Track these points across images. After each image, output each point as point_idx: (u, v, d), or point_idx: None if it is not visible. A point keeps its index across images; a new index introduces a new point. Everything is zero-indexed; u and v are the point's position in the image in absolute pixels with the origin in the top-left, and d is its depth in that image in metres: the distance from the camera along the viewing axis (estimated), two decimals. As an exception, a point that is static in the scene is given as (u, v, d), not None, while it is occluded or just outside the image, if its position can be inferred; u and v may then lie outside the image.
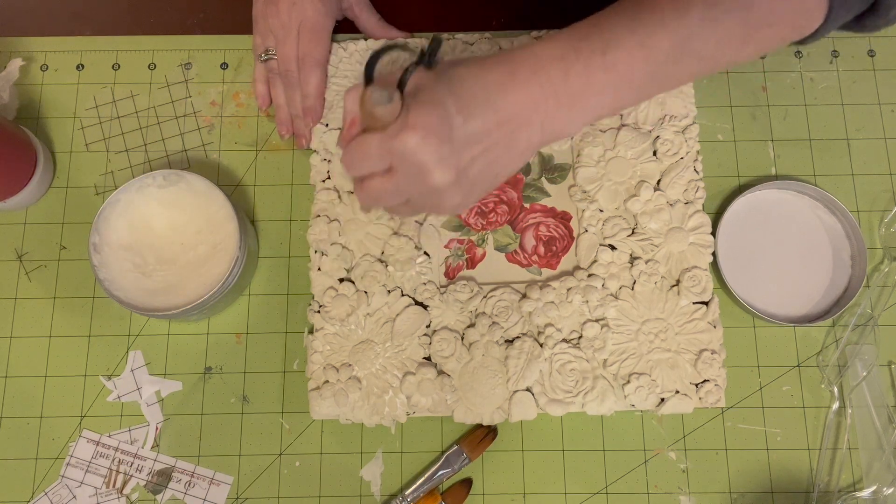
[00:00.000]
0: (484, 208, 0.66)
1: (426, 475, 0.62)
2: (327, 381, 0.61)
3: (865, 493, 0.62)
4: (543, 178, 0.67)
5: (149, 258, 0.61)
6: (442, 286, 0.63)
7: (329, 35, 0.69)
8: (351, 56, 0.69)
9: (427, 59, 0.44)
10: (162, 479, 0.63)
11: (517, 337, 0.62)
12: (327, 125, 0.67)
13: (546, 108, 0.46)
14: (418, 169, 0.45)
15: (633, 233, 0.64)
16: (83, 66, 0.73)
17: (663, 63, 0.46)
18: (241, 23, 0.72)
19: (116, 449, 0.64)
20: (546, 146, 0.50)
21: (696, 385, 0.61)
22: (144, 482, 0.63)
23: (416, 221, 0.64)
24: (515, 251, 0.65)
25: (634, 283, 0.63)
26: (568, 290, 0.62)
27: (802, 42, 0.50)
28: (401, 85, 0.44)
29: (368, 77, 0.45)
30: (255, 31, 0.69)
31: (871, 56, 0.73)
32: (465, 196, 0.48)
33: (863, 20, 0.50)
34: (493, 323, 0.62)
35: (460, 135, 0.45)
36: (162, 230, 0.62)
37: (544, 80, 0.46)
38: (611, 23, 0.46)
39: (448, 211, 0.49)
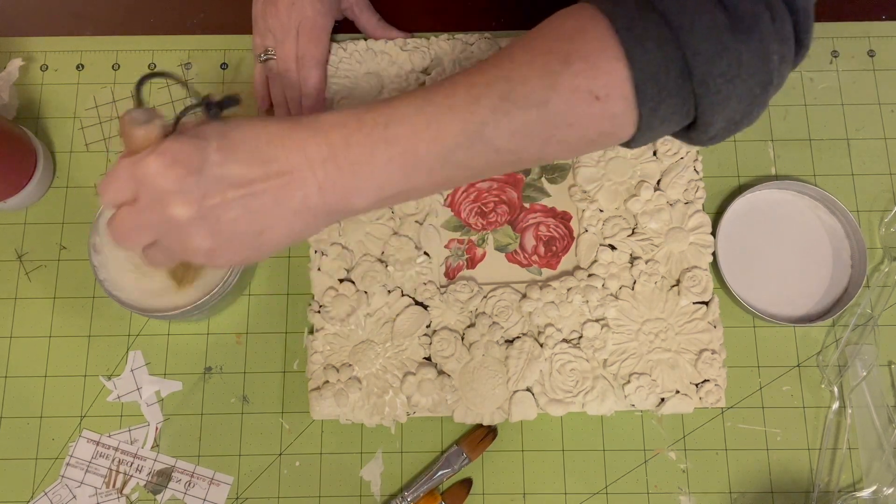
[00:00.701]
0: (484, 208, 0.66)
1: (426, 475, 0.62)
2: (327, 382, 0.61)
3: (865, 493, 0.62)
4: (543, 178, 0.67)
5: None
6: (442, 286, 0.63)
7: (328, 35, 0.69)
8: (351, 56, 0.69)
9: (212, 108, 0.43)
10: (162, 479, 0.63)
11: (517, 337, 0.62)
12: (327, 125, 0.67)
13: (325, 172, 0.44)
14: (157, 196, 0.42)
15: (633, 233, 0.64)
16: (83, 66, 0.73)
17: (454, 148, 0.44)
18: (241, 23, 0.72)
19: (116, 449, 0.64)
20: (336, 219, 0.47)
21: (697, 385, 0.61)
22: (144, 482, 0.63)
23: (416, 221, 0.64)
24: (515, 251, 0.65)
25: (634, 283, 0.63)
26: (568, 290, 0.62)
27: (627, 146, 0.48)
28: (176, 123, 0.43)
29: (136, 98, 0.44)
30: (254, 32, 0.69)
31: (871, 56, 0.73)
32: (216, 241, 0.44)
33: (689, 134, 0.47)
34: (494, 323, 0.62)
35: (214, 172, 0.42)
36: None
37: (322, 141, 0.44)
38: (401, 102, 0.45)
39: (200, 257, 0.45)
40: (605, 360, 0.61)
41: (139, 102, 0.44)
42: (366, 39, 0.70)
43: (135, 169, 0.42)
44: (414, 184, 0.45)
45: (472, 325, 0.62)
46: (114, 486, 0.63)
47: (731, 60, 0.42)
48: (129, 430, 0.64)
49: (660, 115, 0.44)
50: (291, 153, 0.44)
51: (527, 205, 0.66)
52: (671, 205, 0.64)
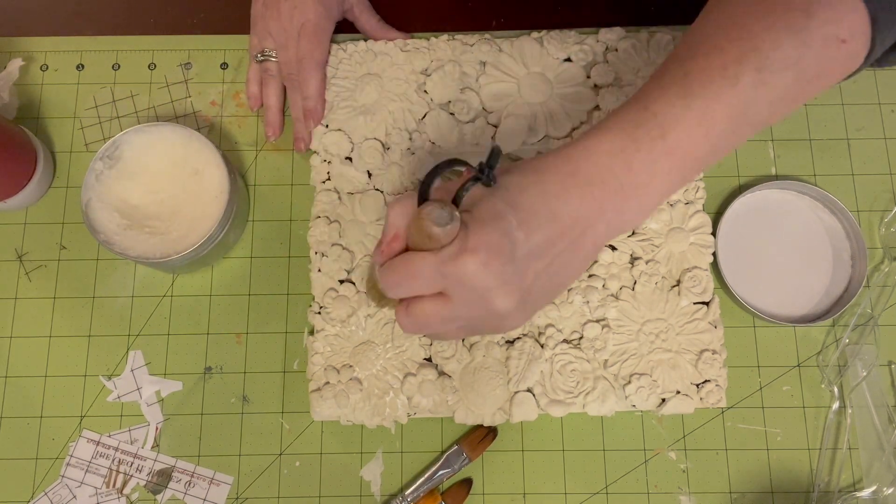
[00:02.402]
0: (484, 208, 0.66)
1: (426, 475, 0.62)
2: (328, 383, 0.61)
3: (865, 493, 0.62)
4: (544, 179, 0.66)
5: (140, 211, 0.62)
6: (442, 286, 0.63)
7: (329, 37, 0.69)
8: (351, 57, 0.69)
9: (486, 174, 0.41)
10: (162, 479, 0.63)
11: (518, 338, 0.62)
12: (327, 126, 0.67)
13: (613, 205, 0.43)
14: (479, 295, 0.41)
15: (633, 233, 0.64)
16: (83, 66, 0.73)
17: (722, 135, 0.44)
18: (241, 23, 0.72)
19: (116, 449, 0.64)
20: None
21: (697, 385, 0.61)
22: (144, 482, 0.63)
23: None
24: (516, 251, 0.65)
25: (635, 283, 0.63)
26: (568, 290, 0.62)
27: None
28: (456, 201, 0.41)
29: (424, 195, 0.42)
30: (252, 32, 0.69)
31: (872, 56, 0.73)
32: (526, 313, 0.44)
33: (884, 58, 0.48)
34: (494, 323, 0.62)
35: (523, 252, 0.42)
36: (151, 186, 0.63)
37: (607, 177, 0.43)
38: (662, 103, 0.43)
39: (507, 330, 0.45)
40: (606, 361, 0.61)
41: (424, 198, 0.42)
42: (366, 40, 0.70)
43: (447, 268, 0.41)
44: (687, 180, 0.45)
45: (472, 326, 0.62)
46: (114, 485, 0.63)
47: None
48: (129, 430, 0.64)
49: (885, 42, 0.45)
50: (581, 201, 0.43)
51: (527, 205, 0.66)
52: (671, 205, 0.64)
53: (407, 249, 0.44)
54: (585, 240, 0.44)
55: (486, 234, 0.41)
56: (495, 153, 0.41)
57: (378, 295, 0.52)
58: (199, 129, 0.70)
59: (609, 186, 0.43)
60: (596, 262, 0.63)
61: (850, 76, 0.47)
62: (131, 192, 0.62)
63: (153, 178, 0.63)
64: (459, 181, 0.43)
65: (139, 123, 0.67)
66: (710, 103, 0.43)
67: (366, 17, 0.71)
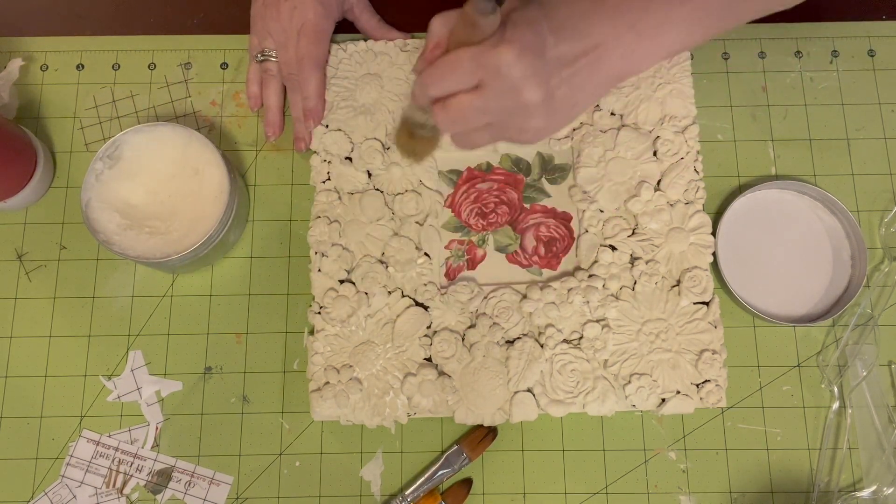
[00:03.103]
0: (484, 209, 0.66)
1: (426, 475, 0.62)
2: (328, 383, 0.61)
3: (865, 493, 0.62)
4: (544, 179, 0.67)
5: (140, 211, 0.62)
6: (442, 287, 0.63)
7: (329, 37, 0.68)
8: (351, 57, 0.69)
9: None
10: (162, 479, 0.63)
11: (518, 338, 0.62)
12: (327, 126, 0.67)
13: (627, 40, 0.48)
14: (511, 84, 0.45)
15: (633, 233, 0.64)
16: (83, 66, 0.73)
17: None
18: (241, 23, 0.72)
19: (116, 449, 0.64)
20: (616, 87, 0.52)
21: (697, 385, 0.61)
22: (144, 482, 0.63)
23: (417, 222, 0.64)
24: (516, 252, 0.65)
25: (635, 283, 0.63)
26: (568, 290, 0.62)
27: None
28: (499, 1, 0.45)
29: None
30: (252, 32, 0.69)
31: (871, 56, 0.73)
32: (547, 120, 0.48)
33: None
34: (494, 324, 0.62)
35: (552, 55, 0.46)
36: (150, 186, 0.63)
37: (626, 10, 0.48)
38: None
39: (529, 135, 0.49)
40: (606, 361, 0.61)
41: None
42: (366, 40, 0.70)
43: (484, 58, 0.44)
44: (693, 40, 0.50)
45: (472, 326, 0.62)
46: (114, 485, 0.63)
47: None
48: (129, 430, 0.64)
49: None
50: (604, 25, 0.48)
51: (527, 205, 0.66)
52: (671, 205, 0.64)
53: None
54: (602, 64, 0.48)
55: (521, 31, 0.44)
56: None
57: (409, 146, 0.54)
58: (199, 129, 0.70)
59: (627, 20, 0.48)
60: (596, 261, 0.63)
61: None
62: (131, 192, 0.62)
63: (153, 178, 0.63)
64: None
65: (139, 123, 0.67)
66: None
67: (366, 17, 0.71)
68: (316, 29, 0.66)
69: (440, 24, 0.47)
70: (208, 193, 0.62)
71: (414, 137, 0.54)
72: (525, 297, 0.62)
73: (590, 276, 0.63)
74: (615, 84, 0.50)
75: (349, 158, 0.66)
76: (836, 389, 0.64)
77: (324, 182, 0.65)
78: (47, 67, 0.73)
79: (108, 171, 0.62)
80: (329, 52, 0.69)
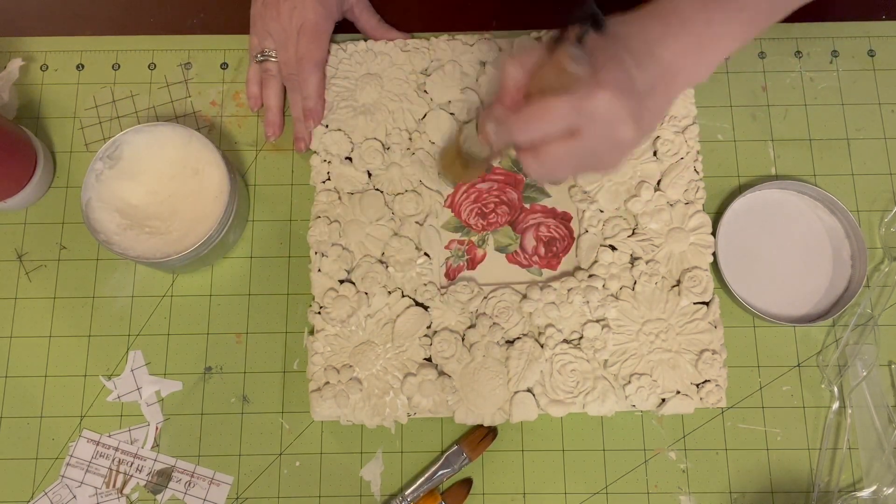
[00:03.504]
0: (484, 209, 0.66)
1: (426, 475, 0.62)
2: (328, 383, 0.61)
3: (865, 493, 0.62)
4: (544, 179, 0.67)
5: (140, 211, 0.62)
6: (442, 287, 0.63)
7: (328, 37, 0.68)
8: (351, 57, 0.69)
9: (600, 20, 0.45)
10: (162, 479, 0.63)
11: (518, 338, 0.62)
12: (327, 126, 0.67)
13: (694, 55, 0.49)
14: (609, 127, 0.46)
15: (633, 233, 0.64)
16: (83, 66, 0.73)
17: None
18: (241, 23, 0.72)
19: (116, 449, 0.64)
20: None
21: (697, 385, 0.61)
22: (144, 482, 0.63)
23: (417, 222, 0.64)
24: (516, 252, 0.65)
25: (635, 283, 0.63)
26: (568, 290, 0.62)
27: None
28: (581, 41, 0.45)
29: (556, 41, 0.46)
30: (252, 32, 0.69)
31: (871, 56, 0.73)
32: (636, 146, 0.49)
33: None
34: (494, 324, 0.62)
35: (638, 89, 0.47)
36: (149, 184, 0.63)
37: (691, 28, 0.49)
38: None
39: (616, 167, 0.50)
40: (606, 361, 0.61)
41: (580, 40, 0.46)
42: (366, 40, 0.70)
43: (580, 105, 0.45)
44: (744, 41, 0.51)
45: (472, 326, 0.62)
46: (114, 485, 0.63)
47: None
48: (129, 430, 0.64)
49: None
50: (674, 48, 0.49)
51: (527, 205, 0.66)
52: (671, 205, 0.64)
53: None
54: (675, 82, 0.49)
55: (611, 72, 0.45)
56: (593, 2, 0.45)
57: (457, 168, 0.56)
58: (199, 129, 0.70)
59: (693, 39, 0.49)
60: (596, 261, 0.63)
61: None
62: (131, 192, 0.62)
63: (153, 178, 0.63)
64: (566, 37, 0.47)
65: (139, 123, 0.67)
66: None
67: (366, 17, 0.71)
68: (316, 29, 0.66)
69: (516, 69, 0.48)
70: (208, 193, 0.62)
71: (467, 168, 0.56)
72: (525, 297, 0.62)
73: (590, 276, 0.63)
74: (679, 94, 0.52)
75: (349, 158, 0.66)
76: (836, 389, 0.64)
77: (324, 182, 0.65)
78: (47, 67, 0.73)
79: (108, 171, 0.62)
80: (329, 52, 0.69)
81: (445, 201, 0.66)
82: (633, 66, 0.47)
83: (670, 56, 0.48)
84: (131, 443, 0.64)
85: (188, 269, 0.66)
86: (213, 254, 0.64)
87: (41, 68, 0.73)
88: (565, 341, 0.61)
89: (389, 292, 0.62)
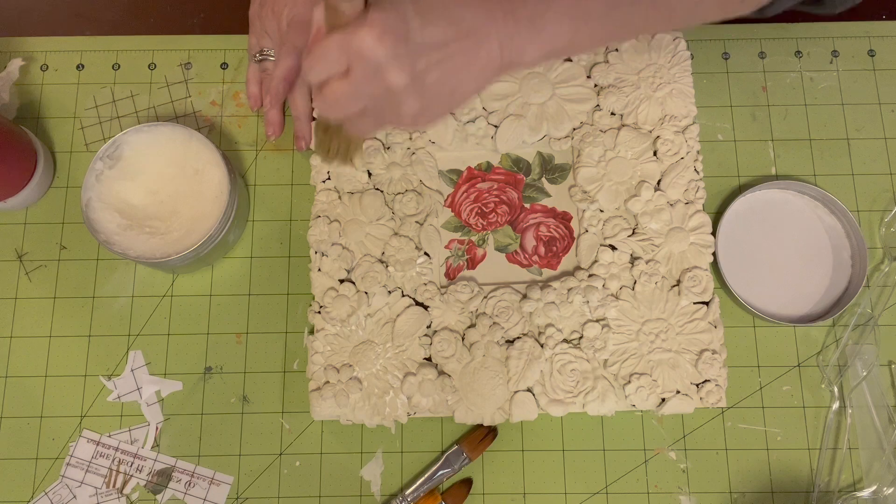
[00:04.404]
0: (484, 209, 0.66)
1: (426, 475, 0.62)
2: (328, 382, 0.61)
3: (865, 493, 0.62)
4: (544, 179, 0.67)
5: (140, 211, 0.62)
6: (442, 287, 0.63)
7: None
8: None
9: None
10: (162, 478, 0.63)
11: (518, 337, 0.62)
12: (327, 125, 0.67)
13: (505, 28, 0.47)
14: (374, 67, 0.44)
15: (633, 233, 0.64)
16: (83, 66, 0.73)
17: (618, 3, 0.49)
18: (241, 23, 0.72)
19: (116, 449, 0.64)
20: (506, 74, 0.51)
21: (697, 385, 0.61)
22: (144, 482, 0.63)
23: (417, 222, 0.64)
24: (516, 251, 0.65)
25: (635, 283, 0.63)
26: (568, 290, 0.62)
27: (763, 11, 0.51)
28: None
29: None
30: (250, 32, 0.69)
31: (871, 56, 0.73)
32: (423, 105, 0.47)
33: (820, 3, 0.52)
34: (494, 323, 0.62)
35: (417, 38, 0.45)
36: (150, 184, 0.63)
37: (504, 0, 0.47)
38: None
39: (407, 121, 0.48)
40: (606, 361, 0.61)
41: None
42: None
43: (347, 42, 0.44)
44: (578, 38, 0.50)
45: (472, 326, 0.62)
46: (114, 485, 0.63)
47: None
48: (130, 430, 0.64)
49: None
50: (477, 11, 0.47)
51: (527, 205, 0.66)
52: (671, 205, 0.64)
53: None
54: (479, 52, 0.47)
55: (384, 13, 0.44)
56: None
57: (325, 147, 0.54)
58: (199, 129, 0.70)
59: (504, 7, 0.47)
60: (596, 261, 0.63)
61: (766, 10, 0.51)
62: (131, 192, 0.62)
63: (153, 178, 0.63)
64: None
65: (139, 123, 0.67)
66: None
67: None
68: (303, 18, 0.66)
69: (319, 12, 0.47)
70: (208, 193, 0.62)
71: (328, 133, 0.54)
72: (525, 296, 0.62)
73: (590, 275, 0.63)
74: (500, 74, 0.50)
75: (349, 158, 0.66)
76: (836, 389, 0.64)
77: (324, 182, 0.65)
78: (47, 67, 0.73)
79: (109, 171, 0.62)
80: None
81: (445, 201, 0.66)
82: (415, 16, 0.45)
83: (471, 20, 0.47)
84: (131, 443, 0.64)
85: (188, 270, 0.66)
86: (213, 254, 0.64)
87: (41, 68, 0.73)
88: (565, 341, 0.61)
89: (389, 292, 0.62)
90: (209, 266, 0.67)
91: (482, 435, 0.62)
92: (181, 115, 0.71)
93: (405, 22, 0.45)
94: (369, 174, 0.66)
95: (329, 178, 0.65)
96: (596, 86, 0.67)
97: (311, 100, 0.67)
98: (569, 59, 0.68)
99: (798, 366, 0.65)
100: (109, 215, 0.61)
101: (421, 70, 0.46)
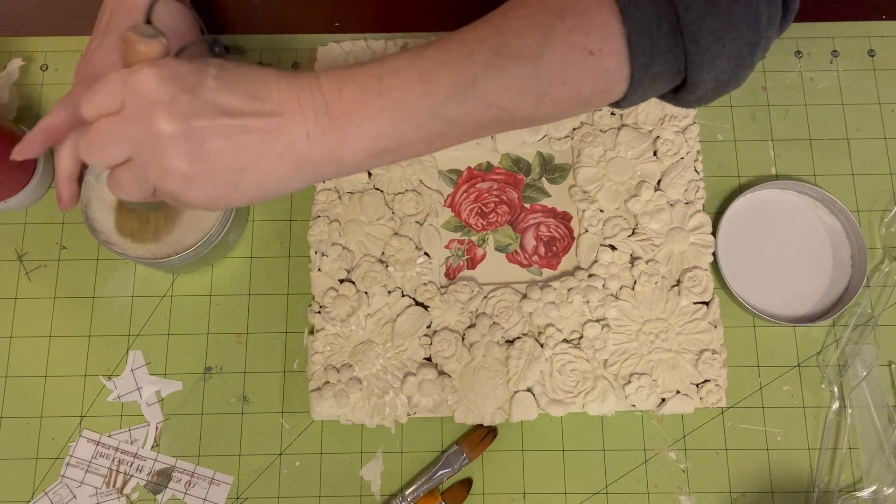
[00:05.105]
0: (484, 209, 0.66)
1: (426, 475, 0.62)
2: (328, 382, 0.61)
3: (865, 493, 0.62)
4: (544, 179, 0.67)
5: None
6: (442, 286, 0.63)
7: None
8: (349, 56, 0.69)
9: (217, 47, 0.43)
10: (162, 478, 0.63)
11: (518, 337, 0.62)
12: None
13: (316, 120, 0.44)
14: (145, 106, 0.41)
15: (633, 233, 0.64)
16: (83, 66, 0.73)
17: (445, 102, 0.44)
18: (240, 23, 0.72)
19: (116, 449, 0.64)
20: (329, 175, 0.46)
21: (697, 385, 0.61)
22: (144, 482, 0.63)
23: (417, 222, 0.64)
24: (516, 251, 0.65)
25: (635, 283, 0.63)
26: (568, 290, 0.62)
27: (617, 106, 0.48)
28: (179, 52, 0.43)
29: (146, 15, 0.45)
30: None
31: (871, 56, 0.73)
32: (195, 167, 0.43)
33: (677, 95, 0.48)
34: (494, 323, 0.62)
35: (207, 97, 0.42)
36: None
37: (316, 90, 0.44)
38: (395, 57, 0.45)
39: (173, 183, 0.43)
40: (606, 361, 0.61)
41: (148, 20, 0.44)
42: (366, 40, 0.70)
43: (127, 77, 0.42)
44: (403, 138, 0.45)
45: (472, 326, 0.62)
46: (114, 485, 0.63)
47: (722, 19, 0.42)
48: (130, 430, 0.64)
49: (651, 72, 0.44)
50: (285, 96, 0.44)
51: (527, 205, 0.66)
52: (671, 205, 0.64)
53: None
54: (281, 137, 0.44)
55: (178, 62, 0.42)
56: (239, 50, 0.43)
57: (127, 228, 0.51)
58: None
59: (316, 101, 0.44)
60: (596, 261, 0.63)
61: (620, 105, 0.47)
62: None
63: None
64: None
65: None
66: (435, 66, 0.44)
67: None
68: (94, 74, 0.58)
69: (60, 111, 0.47)
70: None
71: (123, 213, 0.49)
72: (525, 296, 0.62)
73: (590, 275, 0.63)
74: (316, 172, 0.45)
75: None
76: (836, 389, 0.64)
77: (324, 182, 0.65)
78: (47, 67, 0.73)
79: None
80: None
81: (445, 201, 0.66)
82: (213, 78, 0.42)
83: (276, 102, 0.43)
84: (131, 443, 0.64)
85: (188, 270, 0.66)
86: (213, 254, 0.64)
87: (41, 68, 0.73)
88: (565, 341, 0.61)
89: (389, 292, 0.62)
90: (209, 266, 0.67)
91: (482, 435, 0.62)
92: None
93: (199, 77, 0.42)
94: (369, 174, 0.66)
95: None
96: (596, 86, 0.67)
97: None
98: None
99: (798, 366, 0.65)
100: (109, 215, 0.61)
101: (200, 128, 0.42)
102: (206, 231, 0.61)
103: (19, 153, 0.54)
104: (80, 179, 0.55)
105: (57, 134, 0.55)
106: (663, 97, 0.49)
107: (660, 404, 0.61)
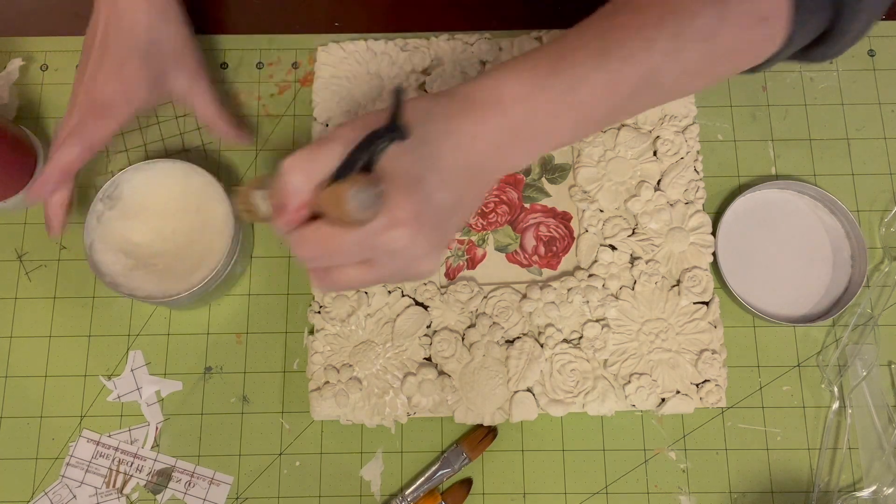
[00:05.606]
0: (484, 209, 0.66)
1: (426, 475, 0.62)
2: (328, 382, 0.61)
3: (865, 493, 0.62)
4: (544, 178, 0.67)
5: (145, 250, 0.62)
6: (442, 286, 0.63)
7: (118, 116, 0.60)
8: (350, 56, 0.69)
9: (399, 130, 0.38)
10: (162, 478, 0.63)
11: (518, 337, 0.62)
12: (327, 125, 0.67)
13: (513, 149, 0.44)
14: (407, 261, 0.42)
15: (633, 233, 0.64)
16: (83, 66, 0.73)
17: (625, 98, 0.44)
18: (241, 23, 0.72)
19: (116, 449, 0.64)
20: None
21: (697, 385, 0.61)
22: (144, 482, 0.63)
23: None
24: (516, 251, 0.65)
25: (635, 283, 0.63)
26: (568, 290, 0.62)
27: (752, 71, 0.48)
28: (370, 166, 0.39)
29: (345, 170, 0.39)
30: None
31: (871, 56, 0.73)
32: (438, 260, 0.45)
33: (809, 52, 0.48)
34: (494, 323, 0.62)
35: (443, 212, 0.42)
36: (153, 219, 0.62)
37: (512, 123, 0.43)
38: (578, 56, 0.43)
39: (419, 278, 0.46)
40: (606, 361, 0.61)
41: (346, 171, 0.39)
42: (365, 40, 0.70)
43: (376, 241, 0.40)
44: (577, 137, 0.46)
45: (472, 326, 0.62)
46: (114, 485, 0.63)
47: None
48: (129, 430, 0.64)
49: (805, 30, 0.45)
50: (486, 146, 0.43)
51: (527, 205, 0.66)
52: (671, 205, 0.64)
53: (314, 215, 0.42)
54: (490, 181, 0.46)
55: (410, 203, 0.40)
56: (399, 97, 0.39)
57: (253, 216, 0.49)
58: (198, 128, 0.70)
59: (512, 133, 0.44)
60: (596, 261, 0.63)
61: (763, 65, 0.47)
62: (134, 231, 0.62)
63: (155, 216, 0.62)
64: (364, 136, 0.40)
65: (139, 126, 0.67)
66: (622, 65, 0.43)
67: (202, 105, 0.65)
68: (104, 101, 0.60)
69: (301, 181, 0.40)
70: (213, 227, 0.62)
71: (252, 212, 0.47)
72: (525, 296, 0.62)
73: (590, 275, 0.63)
74: (488, 187, 0.47)
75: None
76: (836, 389, 0.64)
77: (324, 182, 0.65)
78: (47, 67, 0.73)
79: (109, 212, 0.62)
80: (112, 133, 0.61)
81: (445, 201, 0.66)
82: (438, 189, 0.41)
83: (481, 156, 0.43)
84: (131, 443, 0.64)
85: (196, 306, 0.66)
86: (219, 289, 0.64)
87: (41, 68, 0.73)
88: (565, 341, 0.61)
89: (389, 291, 0.62)
90: (215, 301, 0.67)
91: (482, 435, 0.62)
92: (180, 115, 0.71)
93: (432, 203, 0.41)
94: (369, 174, 0.65)
95: (329, 178, 0.65)
96: (596, 86, 0.67)
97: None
98: None
99: (798, 366, 0.65)
100: (114, 256, 0.61)
101: (441, 238, 0.44)
102: (213, 266, 0.60)
103: (37, 195, 0.57)
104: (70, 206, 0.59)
105: (74, 170, 0.57)
106: (794, 56, 0.49)
107: (660, 404, 0.61)
